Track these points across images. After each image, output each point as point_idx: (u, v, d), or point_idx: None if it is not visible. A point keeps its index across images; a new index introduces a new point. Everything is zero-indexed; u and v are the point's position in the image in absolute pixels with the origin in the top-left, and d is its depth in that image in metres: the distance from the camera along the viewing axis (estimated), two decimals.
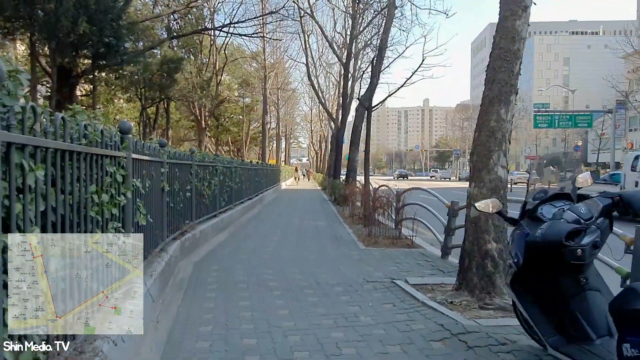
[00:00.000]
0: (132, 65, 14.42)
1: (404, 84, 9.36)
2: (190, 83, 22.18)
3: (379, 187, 14.57)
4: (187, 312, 4.25)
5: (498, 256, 4.48)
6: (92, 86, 17.09)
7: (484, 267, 4.47)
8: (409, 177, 75.88)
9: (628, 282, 2.98)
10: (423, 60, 9.36)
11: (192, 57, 23.42)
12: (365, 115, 9.73)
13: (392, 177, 75.94)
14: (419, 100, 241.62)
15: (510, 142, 4.84)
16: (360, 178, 18.02)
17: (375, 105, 9.67)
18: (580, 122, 43.00)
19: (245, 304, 4.51)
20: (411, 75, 9.31)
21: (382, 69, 9.16)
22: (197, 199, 7.76)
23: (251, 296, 4.77)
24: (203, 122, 25.21)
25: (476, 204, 3.16)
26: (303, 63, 26.46)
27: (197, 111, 25.57)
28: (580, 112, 43.50)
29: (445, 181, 64.06)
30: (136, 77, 17.28)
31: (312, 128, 66.55)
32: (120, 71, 15.31)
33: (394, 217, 9.35)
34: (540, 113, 43.71)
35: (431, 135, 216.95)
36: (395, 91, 9.37)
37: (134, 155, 3.77)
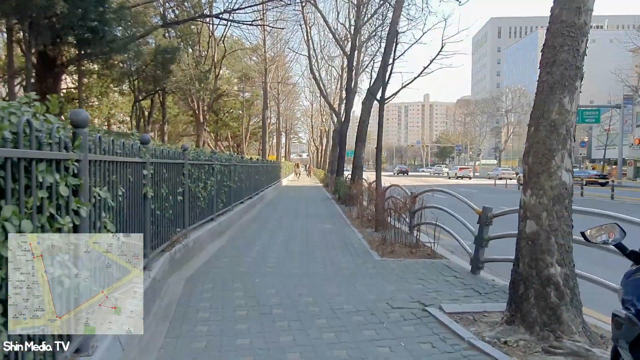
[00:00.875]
0: (121, 54, 13.40)
1: (421, 73, 8.38)
2: (187, 75, 21.17)
3: (390, 186, 13.72)
4: (171, 356, 3.33)
5: (564, 283, 3.55)
6: (80, 76, 16.06)
7: (545, 297, 3.55)
8: (409, 173, 75.27)
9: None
10: (442, 46, 8.47)
11: (189, 48, 22.33)
12: (377, 108, 8.74)
13: (392, 173, 75.22)
14: (419, 95, 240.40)
15: (574, 139, 3.90)
16: (366, 175, 17.15)
17: (389, 97, 8.68)
18: (588, 117, 42.00)
19: (244, 342, 3.59)
20: (429, 63, 8.29)
21: (397, 56, 8.22)
22: (191, 202, 6.84)
23: (251, 329, 3.86)
24: (201, 117, 24.22)
25: (587, 233, 2.22)
26: (305, 55, 25.53)
27: (195, 105, 24.56)
28: (587, 108, 42.51)
29: (437, 177, 63.21)
30: (128, 67, 16.27)
31: (313, 123, 65.59)
32: (110, 60, 14.30)
33: (408, 221, 8.43)
34: None
35: (431, 131, 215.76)
36: (411, 81, 8.41)
37: (95, 157, 2.84)
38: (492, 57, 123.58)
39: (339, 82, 35.25)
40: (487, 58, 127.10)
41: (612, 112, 47.36)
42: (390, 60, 8.75)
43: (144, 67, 17.05)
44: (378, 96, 9.26)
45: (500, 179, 40.36)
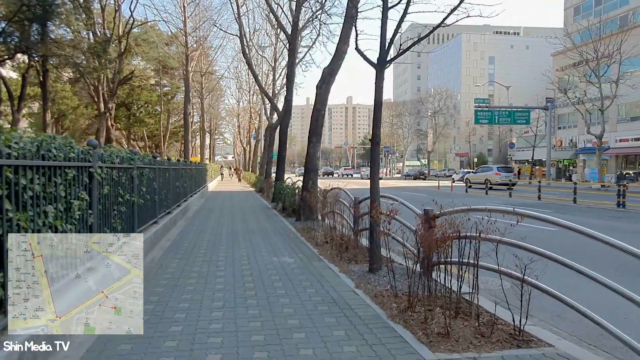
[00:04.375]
0: None
1: (441, 23, 5.19)
2: (78, 45, 16.32)
3: (331, 189, 10.61)
4: None
5: None
6: None
7: None
8: (334, 174, 74.49)
9: None
10: None
11: (82, 12, 17.32)
12: (375, 75, 5.41)
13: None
14: (342, 98, 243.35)
15: None
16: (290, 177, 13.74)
17: (393, 58, 5.38)
18: (519, 118, 42.30)
19: None
20: (451, 12, 5.13)
21: None
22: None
23: None
24: (102, 105, 19.26)
25: None
26: (235, 35, 21.62)
27: (92, 89, 19.56)
28: (518, 109, 42.84)
29: (350, 178, 62.05)
30: None
31: (240, 122, 61.17)
32: None
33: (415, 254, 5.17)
34: (481, 109, 42.45)
35: (355, 133, 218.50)
36: (429, 33, 5.20)
37: None
38: (413, 62, 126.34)
39: (272, 74, 31.65)
40: (408, 62, 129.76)
41: (539, 114, 48.38)
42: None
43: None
44: (368, 57, 5.93)
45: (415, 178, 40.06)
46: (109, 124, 23.75)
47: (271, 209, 15.79)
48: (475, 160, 68.81)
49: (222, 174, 48.86)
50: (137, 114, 33.65)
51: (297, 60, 20.78)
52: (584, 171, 47.90)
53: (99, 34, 18.35)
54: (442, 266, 4.57)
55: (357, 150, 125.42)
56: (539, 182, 23.32)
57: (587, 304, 3.63)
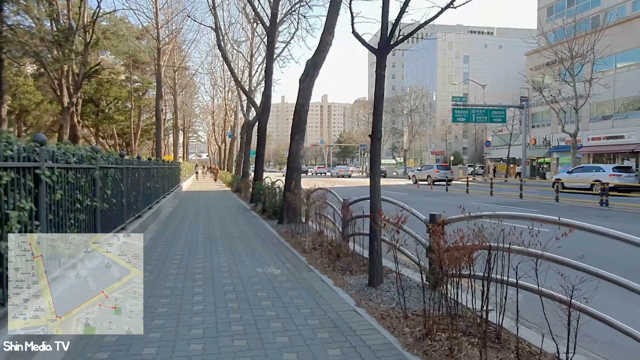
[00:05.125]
0: None
1: (451, 3, 4.51)
2: (37, 32, 14.99)
3: (315, 189, 10.02)
4: None
5: None
6: None
7: None
8: (308, 172, 74.06)
9: None
10: None
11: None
12: (376, 63, 4.71)
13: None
14: (318, 96, 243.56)
15: None
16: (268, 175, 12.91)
17: (397, 42, 4.67)
18: (495, 117, 42.52)
19: None
20: None
21: None
22: None
23: None
24: (65, 99, 17.86)
25: None
26: (209, 27, 20.59)
27: (56, 82, 18.15)
28: (495, 107, 43.05)
29: (322, 177, 61.22)
30: None
31: (215, 120, 59.74)
32: None
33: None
34: (458, 107, 42.47)
35: (330, 131, 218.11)
36: (438, 14, 4.52)
37: None
38: (388, 60, 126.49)
39: (248, 70, 30.65)
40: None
41: (514, 112, 48.85)
42: None
43: None
44: (365, 39, 5.23)
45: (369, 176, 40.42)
46: (75, 120, 22.34)
47: (250, 211, 14.96)
48: (452, 158, 69.23)
49: (196, 173, 47.50)
50: (106, 111, 32.02)
51: (275, 55, 19.95)
52: (557, 169, 48.63)
53: (64, 24, 16.99)
54: (454, 281, 3.90)
55: (332, 149, 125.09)
56: (521, 181, 23.19)
57: None
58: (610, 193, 17.38)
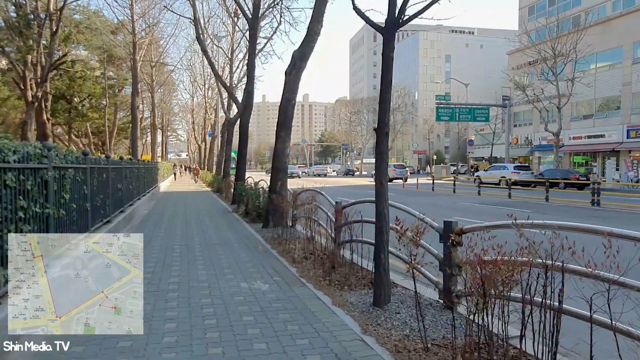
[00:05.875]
0: None
1: None
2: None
3: (302, 190, 9.31)
4: None
5: None
6: None
7: None
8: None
9: None
10: None
11: None
12: (383, 43, 3.93)
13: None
14: (299, 95, 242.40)
15: None
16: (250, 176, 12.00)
17: (408, 18, 3.90)
18: (479, 115, 42.40)
19: None
20: None
21: None
22: None
23: None
24: (30, 93, 16.52)
25: None
26: (188, 18, 19.52)
27: (20, 75, 16.77)
28: (478, 106, 42.90)
29: (305, 176, 59.87)
30: None
31: (194, 119, 58.34)
32: None
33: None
34: (442, 106, 42.16)
35: (311, 130, 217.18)
36: None
37: None
38: (369, 60, 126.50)
39: (229, 66, 29.61)
40: (364, 60, 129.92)
41: (496, 111, 48.89)
42: None
43: None
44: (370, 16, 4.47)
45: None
46: (45, 117, 21.02)
47: (232, 213, 14.06)
48: (435, 157, 69.23)
49: (174, 173, 45.95)
50: (79, 108, 30.51)
51: (257, 50, 19.04)
52: (539, 168, 48.84)
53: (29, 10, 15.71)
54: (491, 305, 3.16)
55: (314, 148, 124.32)
56: (508, 180, 22.80)
57: None
58: (514, 187, 22.81)
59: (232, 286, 5.40)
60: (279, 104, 10.63)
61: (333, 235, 7.39)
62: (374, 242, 5.73)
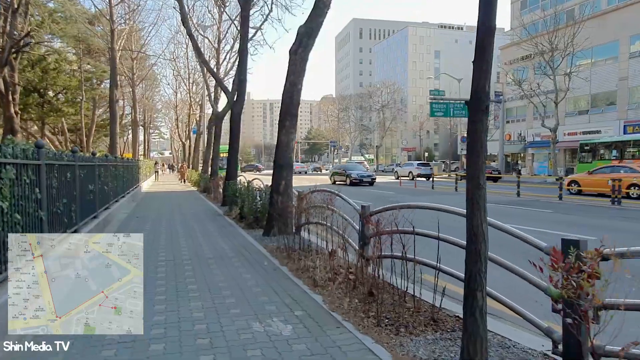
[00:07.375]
0: None
1: None
2: None
3: (311, 191, 7.83)
4: None
5: None
6: None
7: None
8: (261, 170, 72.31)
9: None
10: None
11: None
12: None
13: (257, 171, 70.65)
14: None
15: None
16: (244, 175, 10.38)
17: None
18: None
19: None
20: None
21: None
22: None
23: None
24: None
25: None
26: (173, 7, 17.74)
27: None
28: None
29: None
30: None
31: (178, 115, 56.20)
32: None
33: None
34: (436, 101, 40.91)
35: (297, 128, 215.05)
36: None
37: None
38: (355, 57, 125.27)
39: (216, 57, 27.84)
40: (350, 57, 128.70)
41: (490, 107, 47.94)
42: None
43: None
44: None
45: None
46: (12, 110, 19.05)
47: (223, 217, 12.42)
48: (426, 154, 68.19)
49: (156, 172, 43.38)
50: (53, 102, 28.41)
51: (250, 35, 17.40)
52: (532, 165, 48.09)
53: None
54: None
55: (301, 146, 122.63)
56: (518, 177, 21.51)
57: None
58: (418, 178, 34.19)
59: (241, 330, 3.83)
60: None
61: (357, 247, 5.92)
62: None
